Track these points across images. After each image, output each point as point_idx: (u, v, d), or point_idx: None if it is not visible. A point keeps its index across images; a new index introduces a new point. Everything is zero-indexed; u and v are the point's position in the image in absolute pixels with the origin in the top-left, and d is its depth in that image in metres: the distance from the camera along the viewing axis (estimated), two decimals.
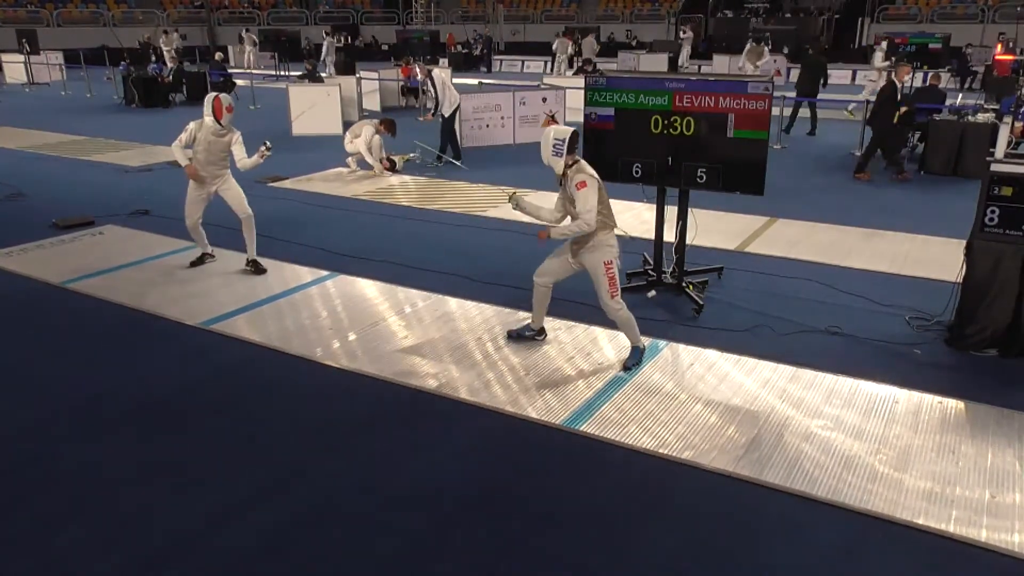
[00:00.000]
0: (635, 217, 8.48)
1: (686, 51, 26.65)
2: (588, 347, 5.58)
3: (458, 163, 12.19)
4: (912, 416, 4.61)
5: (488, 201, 9.85)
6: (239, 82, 21.82)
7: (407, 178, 11.38)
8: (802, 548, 3.54)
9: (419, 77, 13.11)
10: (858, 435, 4.41)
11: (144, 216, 9.06)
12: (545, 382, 5.05)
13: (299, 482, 4.04)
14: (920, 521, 3.68)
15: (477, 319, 6.10)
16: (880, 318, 6.00)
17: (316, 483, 4.03)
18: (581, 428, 4.48)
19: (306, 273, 7.11)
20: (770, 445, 4.31)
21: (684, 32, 27.76)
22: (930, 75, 14.00)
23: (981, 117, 11.37)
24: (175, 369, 5.31)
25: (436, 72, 12.36)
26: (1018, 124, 11.23)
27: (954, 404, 4.75)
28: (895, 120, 10.77)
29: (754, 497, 3.90)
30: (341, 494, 3.94)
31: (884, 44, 18.11)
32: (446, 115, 12.21)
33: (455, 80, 15.32)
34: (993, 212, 5.20)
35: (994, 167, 5.20)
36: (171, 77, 20.28)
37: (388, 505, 3.84)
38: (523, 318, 6.02)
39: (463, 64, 30.80)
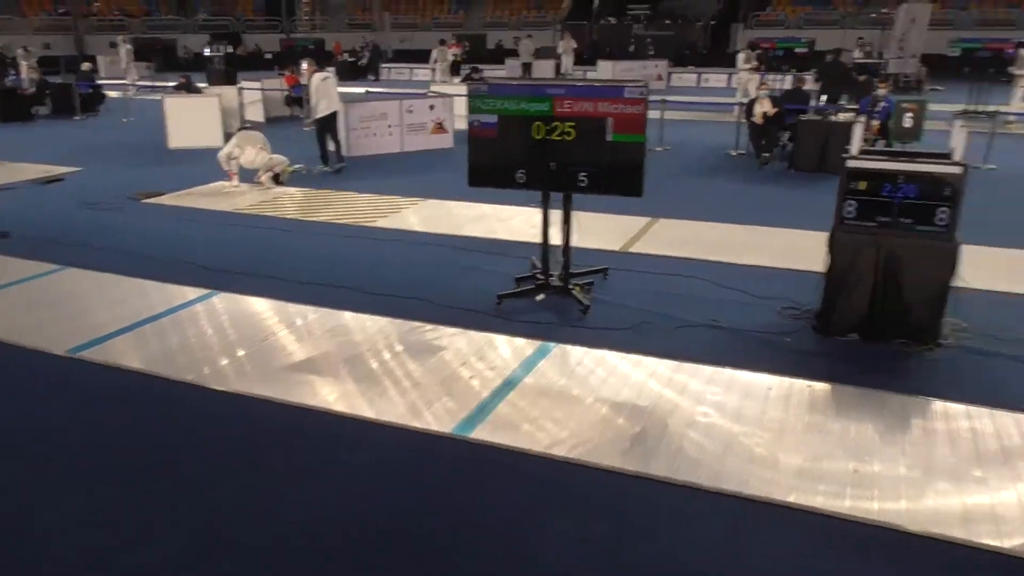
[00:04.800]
0: (525, 222, 8.61)
1: (567, 59, 27.17)
2: (477, 352, 5.62)
3: (326, 167, 12.15)
4: (784, 400, 4.88)
5: (378, 211, 9.77)
6: (110, 94, 20.78)
7: (293, 190, 11.13)
8: (687, 536, 3.68)
9: (304, 72, 12.84)
10: (736, 422, 4.63)
11: (2, 239, 8.47)
12: (437, 391, 5.05)
13: (181, 515, 3.88)
14: (792, 499, 3.90)
15: (369, 331, 6.03)
16: (756, 310, 6.31)
17: (199, 515, 3.88)
18: (473, 434, 4.51)
19: (187, 292, 6.84)
20: (656, 437, 4.47)
21: (564, 39, 28.32)
22: (795, 78, 14.81)
23: (843, 116, 12.15)
24: (32, 405, 4.98)
25: (314, 76, 12.14)
26: (875, 123, 12.12)
27: (821, 387, 5.06)
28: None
29: (642, 489, 4.03)
30: (229, 525, 3.81)
31: (747, 48, 19.12)
32: (318, 117, 12.08)
33: (344, 89, 15.10)
34: (851, 205, 5.57)
35: (850, 163, 5.57)
36: (34, 89, 19.10)
37: (278, 532, 3.74)
38: (416, 328, 6.02)
39: (351, 72, 30.39)
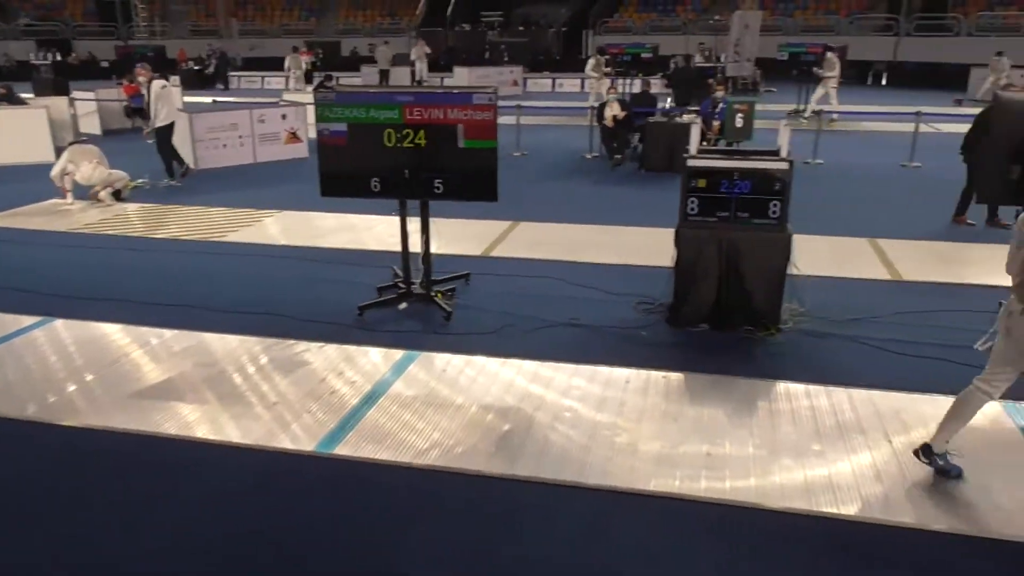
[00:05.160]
0: (386, 230, 8.50)
1: (420, 65, 27.11)
2: (340, 366, 5.49)
3: (172, 180, 11.64)
4: (642, 392, 5.06)
5: (231, 224, 9.37)
6: None
7: (136, 206, 10.47)
8: (552, 533, 3.74)
9: (140, 79, 12.09)
10: (597, 416, 4.76)
11: None
12: (296, 409, 4.89)
13: (15, 554, 3.55)
14: (652, 486, 4.05)
15: (225, 351, 5.76)
16: (613, 306, 6.52)
17: (40, 553, 3.57)
18: (336, 450, 4.40)
19: (21, 320, 6.29)
20: (521, 438, 4.52)
21: (416, 45, 28.29)
22: (643, 81, 15.47)
23: (687, 118, 12.79)
24: None
25: (154, 83, 11.51)
26: (716, 123, 12.83)
27: (676, 376, 5.29)
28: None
29: (508, 491, 4.06)
30: (73, 561, 3.52)
31: (597, 54, 19.79)
32: (158, 126, 11.49)
33: (190, 98, 14.40)
34: (693, 202, 5.86)
35: (689, 163, 5.87)
36: None
37: (124, 566, 3.50)
38: (274, 344, 5.81)
39: (197, 81, 29.02)
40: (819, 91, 17.95)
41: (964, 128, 9.29)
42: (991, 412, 4.76)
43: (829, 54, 18.03)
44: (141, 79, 11.87)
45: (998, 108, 5.81)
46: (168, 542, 3.67)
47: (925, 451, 4.15)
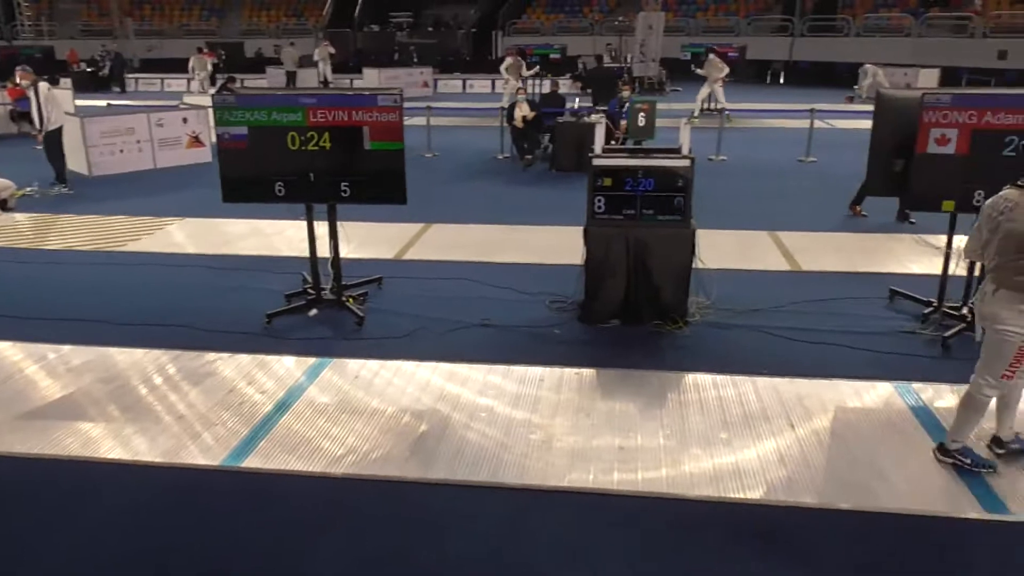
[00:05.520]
0: (295, 236, 8.30)
1: (324, 66, 26.60)
2: (249, 376, 5.33)
3: (63, 187, 11.13)
4: (555, 389, 5.11)
5: (129, 233, 8.98)
6: None
7: (24, 216, 9.90)
8: (467, 536, 3.73)
9: (22, 82, 11.45)
10: (511, 417, 4.78)
11: None
12: (204, 422, 4.72)
13: None
14: (566, 483, 4.10)
15: (125, 365, 5.51)
16: (526, 306, 6.56)
17: None
18: (244, 464, 4.27)
19: None
20: (435, 441, 4.50)
21: (320, 45, 27.77)
22: (552, 82, 15.64)
23: (594, 118, 12.98)
24: None
25: (41, 85, 10.91)
26: (623, 122, 13.06)
27: (588, 372, 5.37)
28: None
29: (424, 495, 4.03)
30: None
31: (516, 55, 19.85)
32: (50, 130, 10.95)
33: (83, 101, 13.72)
34: (600, 200, 5.96)
35: (595, 161, 5.96)
36: None
37: None
38: (178, 356, 5.59)
39: (91, 83, 27.68)
40: (704, 90, 18.56)
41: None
42: (883, 393, 5.04)
43: (711, 56, 18.67)
44: (24, 82, 11.24)
45: (880, 105, 6.12)
46: (62, 565, 3.48)
47: (997, 443, 4.34)
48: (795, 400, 4.97)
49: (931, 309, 6.17)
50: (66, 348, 5.75)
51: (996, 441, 4.34)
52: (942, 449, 4.29)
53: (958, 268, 6.15)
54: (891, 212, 9.04)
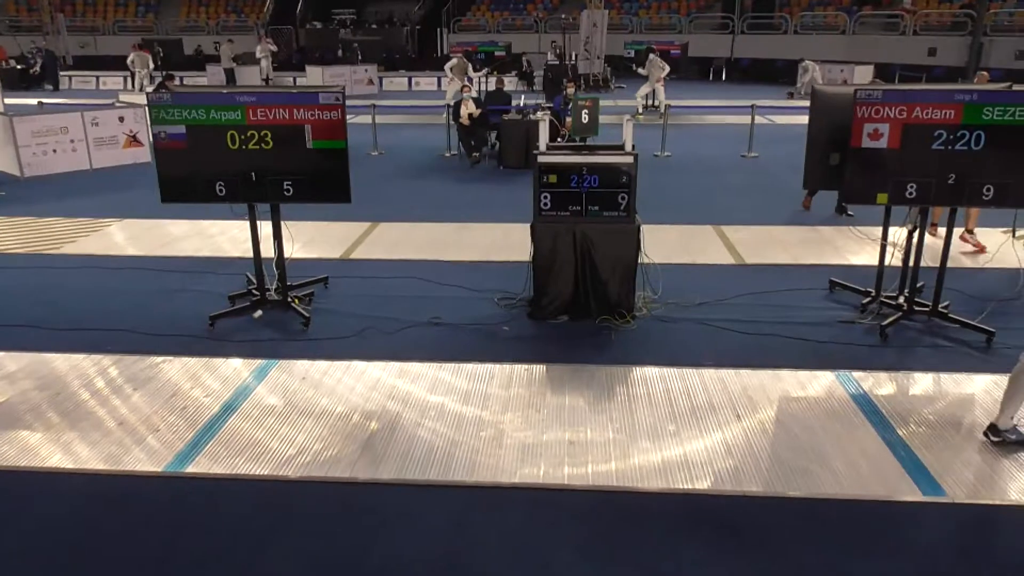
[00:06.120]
0: (239, 236, 8.14)
1: (265, 63, 26.08)
2: (195, 378, 5.21)
3: None
4: (505, 387, 5.12)
5: (64, 236, 8.69)
6: None
7: None
8: (416, 535, 3.71)
9: None
10: (461, 415, 4.76)
11: None
12: (145, 428, 4.60)
13: None
14: (516, 479, 4.10)
15: (61, 372, 5.33)
16: (475, 303, 6.55)
17: None
18: (188, 469, 4.17)
19: None
20: (385, 442, 4.46)
21: (260, 42, 27.21)
22: (497, 79, 15.62)
23: (540, 115, 13.00)
24: None
25: None
26: (569, 119, 13.12)
27: (538, 368, 5.39)
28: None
29: (373, 496, 4.00)
30: None
31: (462, 54, 19.75)
32: None
33: (13, 100, 13.22)
34: (546, 197, 5.97)
35: (540, 158, 5.97)
36: None
37: None
38: (117, 361, 5.43)
39: (21, 82, 26.67)
40: (644, 88, 18.78)
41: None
42: (825, 382, 5.17)
43: (652, 55, 18.89)
44: None
45: (816, 101, 6.27)
46: None
47: (993, 431, 4.40)
48: (740, 391, 5.06)
49: (869, 299, 6.35)
50: (0, 354, 5.55)
51: (992, 429, 4.44)
52: (994, 430, 4.39)
53: (894, 259, 6.36)
54: (830, 206, 9.28)
